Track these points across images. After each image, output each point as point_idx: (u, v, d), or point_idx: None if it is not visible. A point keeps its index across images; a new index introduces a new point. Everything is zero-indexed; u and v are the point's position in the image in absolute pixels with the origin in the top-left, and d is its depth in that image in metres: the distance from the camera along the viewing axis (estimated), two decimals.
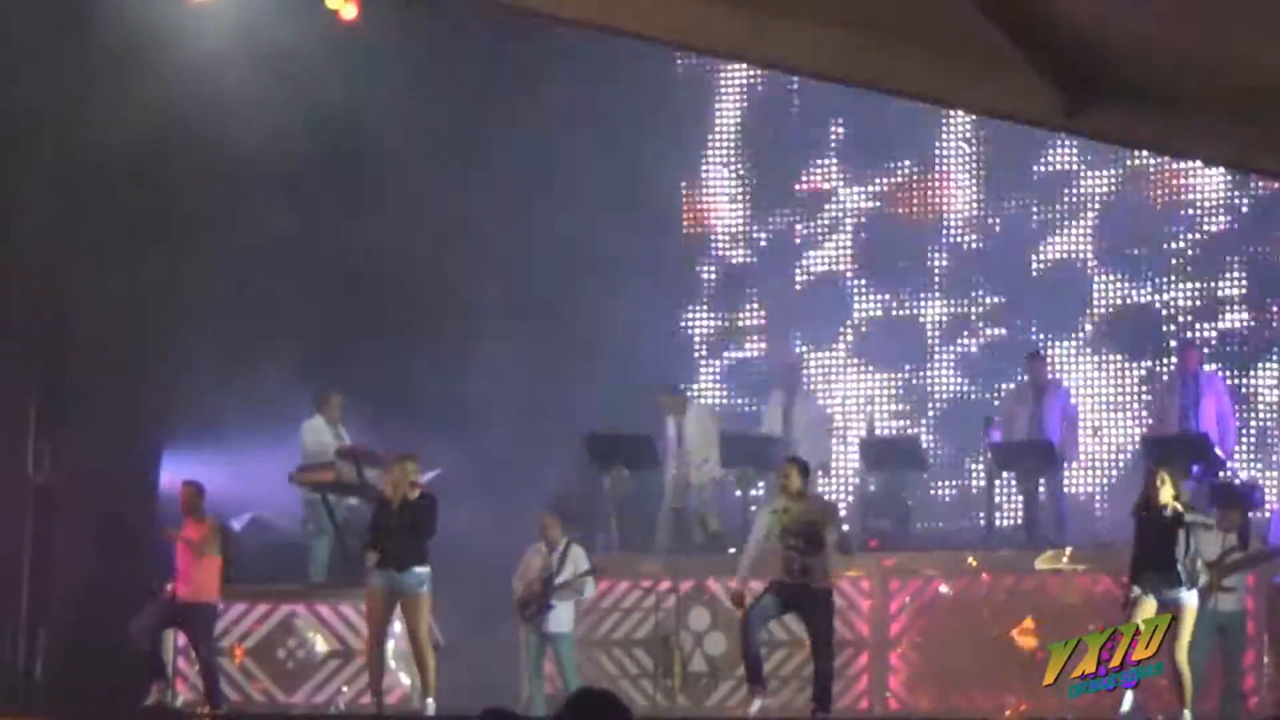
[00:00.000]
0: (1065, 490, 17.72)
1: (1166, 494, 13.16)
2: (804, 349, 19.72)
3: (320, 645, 16.49)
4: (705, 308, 20.32)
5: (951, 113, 18.88)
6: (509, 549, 15.86)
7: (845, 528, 15.60)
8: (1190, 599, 13.10)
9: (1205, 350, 17.94)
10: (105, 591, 16.36)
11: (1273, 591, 15.08)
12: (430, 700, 14.25)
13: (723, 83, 20.42)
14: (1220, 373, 17.82)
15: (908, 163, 19.85)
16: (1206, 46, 7.80)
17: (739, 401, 19.97)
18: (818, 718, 13.97)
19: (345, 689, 16.32)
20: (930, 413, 19.41)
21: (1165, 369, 18.45)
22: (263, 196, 17.22)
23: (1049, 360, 18.32)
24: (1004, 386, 18.79)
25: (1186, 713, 13.00)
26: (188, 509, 15.54)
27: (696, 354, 20.18)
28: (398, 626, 14.92)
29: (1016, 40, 7.75)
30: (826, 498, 16.94)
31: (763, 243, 20.31)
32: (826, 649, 14.25)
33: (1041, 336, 19.01)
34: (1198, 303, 18.75)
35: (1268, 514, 16.47)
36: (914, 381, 19.55)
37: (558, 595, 15.47)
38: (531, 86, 18.41)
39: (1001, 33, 7.66)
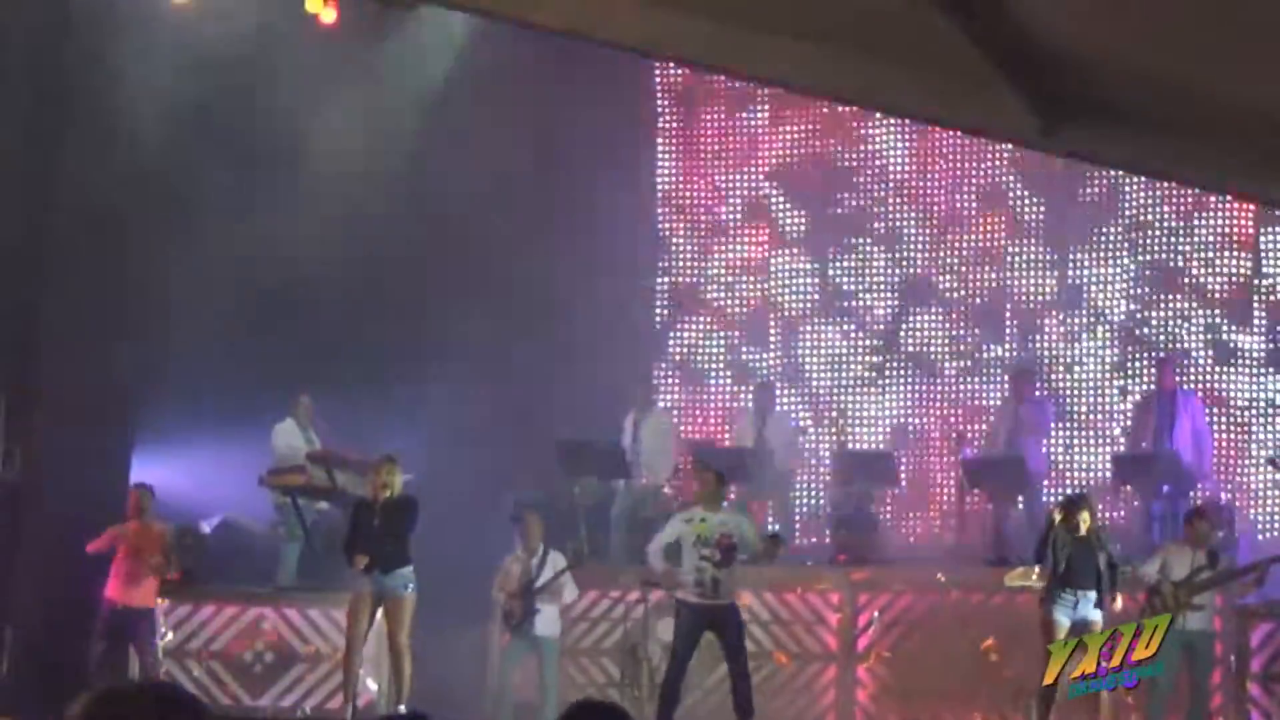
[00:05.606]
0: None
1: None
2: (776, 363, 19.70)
3: (288, 649, 16.45)
4: (669, 315, 20.28)
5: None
6: (478, 555, 15.83)
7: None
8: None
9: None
10: (73, 592, 16.28)
11: (1240, 612, 15.09)
12: (403, 707, 14.15)
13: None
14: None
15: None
16: (1184, 68, 7.78)
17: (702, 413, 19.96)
18: None
19: (312, 693, 16.27)
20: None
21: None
22: (235, 197, 17.18)
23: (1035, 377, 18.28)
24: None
25: None
26: (136, 512, 15.56)
27: (664, 362, 20.14)
28: None
29: (991, 56, 7.71)
30: (741, 506, 16.76)
31: (736, 260, 20.27)
32: (742, 657, 14.26)
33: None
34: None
35: (1237, 534, 16.50)
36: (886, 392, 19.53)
37: (540, 599, 15.44)
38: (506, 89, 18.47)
39: (976, 49, 7.62)
